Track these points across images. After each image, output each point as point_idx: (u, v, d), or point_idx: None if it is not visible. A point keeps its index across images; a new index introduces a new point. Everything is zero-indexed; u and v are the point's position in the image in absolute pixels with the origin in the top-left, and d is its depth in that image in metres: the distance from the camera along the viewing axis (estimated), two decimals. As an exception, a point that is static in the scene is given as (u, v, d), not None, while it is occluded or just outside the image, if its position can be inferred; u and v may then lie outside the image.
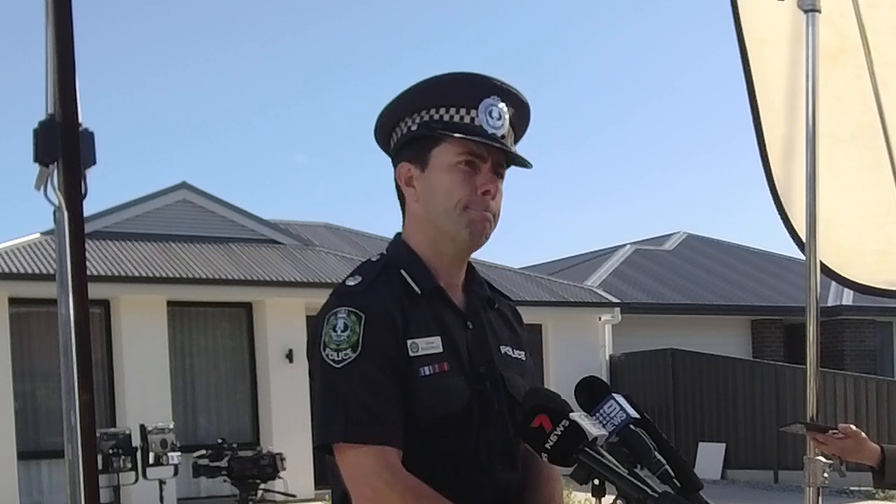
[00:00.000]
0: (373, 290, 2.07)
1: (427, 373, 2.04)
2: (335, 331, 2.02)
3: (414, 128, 2.12)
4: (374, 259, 2.18)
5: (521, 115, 2.17)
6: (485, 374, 2.12)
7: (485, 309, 2.21)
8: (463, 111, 2.08)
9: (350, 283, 2.10)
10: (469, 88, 2.10)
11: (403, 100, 2.14)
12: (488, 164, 2.09)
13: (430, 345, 2.06)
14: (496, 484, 2.11)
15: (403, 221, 2.20)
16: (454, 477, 2.06)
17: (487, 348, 2.16)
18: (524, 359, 2.26)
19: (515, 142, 2.18)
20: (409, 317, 2.06)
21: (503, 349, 2.20)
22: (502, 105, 2.11)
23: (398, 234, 2.21)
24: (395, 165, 2.18)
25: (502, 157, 2.11)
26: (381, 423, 2.00)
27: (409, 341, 2.04)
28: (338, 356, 2.01)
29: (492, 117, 2.09)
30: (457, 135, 2.07)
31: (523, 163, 2.14)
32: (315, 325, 2.09)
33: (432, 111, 2.10)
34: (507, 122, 2.12)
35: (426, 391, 2.04)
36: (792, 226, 3.56)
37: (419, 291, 2.11)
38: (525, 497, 2.18)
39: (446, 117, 2.09)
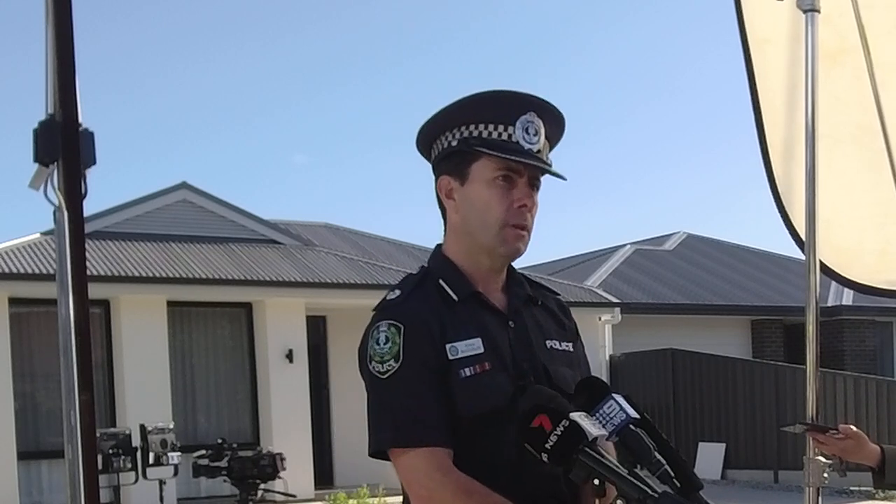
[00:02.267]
0: (410, 301, 2.18)
1: (468, 374, 2.13)
2: (378, 344, 2.14)
3: (454, 143, 2.21)
4: (413, 273, 2.29)
5: (556, 128, 2.26)
6: (528, 369, 2.19)
7: (527, 306, 2.29)
8: (501, 128, 2.17)
9: (390, 297, 2.22)
10: (506, 106, 2.18)
11: (443, 115, 2.23)
12: (524, 178, 2.18)
13: (469, 347, 2.15)
14: (544, 477, 2.15)
15: (444, 232, 2.29)
16: (502, 472, 2.12)
17: (530, 345, 2.23)
18: (572, 350, 2.33)
19: (551, 149, 2.26)
20: (447, 323, 2.15)
21: (549, 343, 2.27)
22: (538, 121, 2.19)
23: (438, 246, 2.31)
24: (435, 177, 2.27)
25: (538, 171, 2.20)
26: (427, 426, 2.09)
27: (448, 345, 2.14)
28: (382, 367, 2.13)
29: (528, 133, 2.17)
30: (494, 153, 2.15)
31: (558, 176, 2.23)
32: (362, 340, 2.19)
33: (471, 127, 2.18)
34: (543, 137, 2.20)
35: (467, 391, 2.12)
36: (792, 225, 3.57)
37: (456, 298, 2.20)
38: (578, 491, 2.20)
39: (485, 133, 2.17)
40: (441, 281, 2.22)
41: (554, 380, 2.19)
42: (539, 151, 2.19)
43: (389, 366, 2.11)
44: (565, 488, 2.19)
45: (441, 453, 2.09)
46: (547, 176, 2.24)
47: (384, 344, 2.13)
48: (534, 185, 2.20)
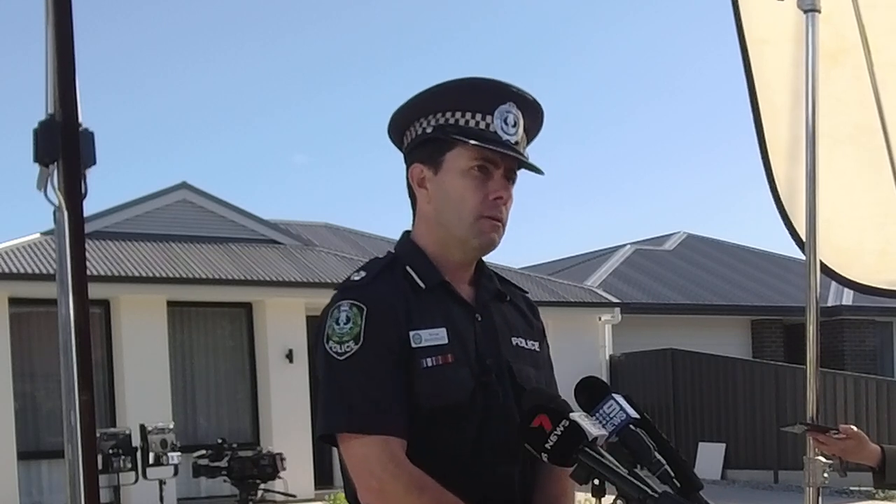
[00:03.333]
0: (376, 283, 2.10)
1: (429, 364, 2.06)
2: (338, 323, 2.05)
3: (429, 130, 2.13)
4: (381, 256, 2.21)
5: (534, 121, 2.19)
6: (491, 366, 2.13)
7: (495, 302, 2.23)
8: (479, 116, 2.10)
9: (355, 277, 2.14)
10: (485, 94, 2.12)
11: (419, 101, 2.16)
12: (501, 169, 2.12)
13: (433, 336, 2.08)
14: (498, 477, 2.12)
15: (413, 220, 2.22)
16: (456, 469, 2.06)
17: (496, 340, 2.17)
18: (538, 350, 2.27)
19: (528, 142, 2.20)
20: (412, 309, 2.08)
21: (515, 340, 2.21)
22: (518, 112, 2.12)
23: (406, 233, 2.23)
24: (407, 165, 2.19)
25: (515, 163, 2.13)
26: (383, 413, 2.01)
27: (412, 332, 2.06)
28: (340, 348, 2.04)
29: (506, 124, 2.11)
30: (472, 141, 2.08)
31: (535, 170, 2.16)
32: (320, 320, 2.11)
33: (448, 114, 2.12)
34: (521, 128, 2.14)
35: (428, 382, 2.05)
36: (792, 225, 3.57)
37: (423, 286, 2.13)
38: (533, 492, 2.18)
39: (462, 122, 2.11)
40: (409, 267, 2.14)
41: (517, 378, 2.14)
42: (517, 143, 2.12)
43: (348, 347, 2.02)
44: (518, 491, 2.15)
45: (395, 443, 2.01)
46: (541, 176, 2.18)
47: (344, 324, 2.04)
48: (510, 178, 2.13)
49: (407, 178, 2.19)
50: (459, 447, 2.08)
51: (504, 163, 2.11)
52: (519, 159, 2.13)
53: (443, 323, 2.10)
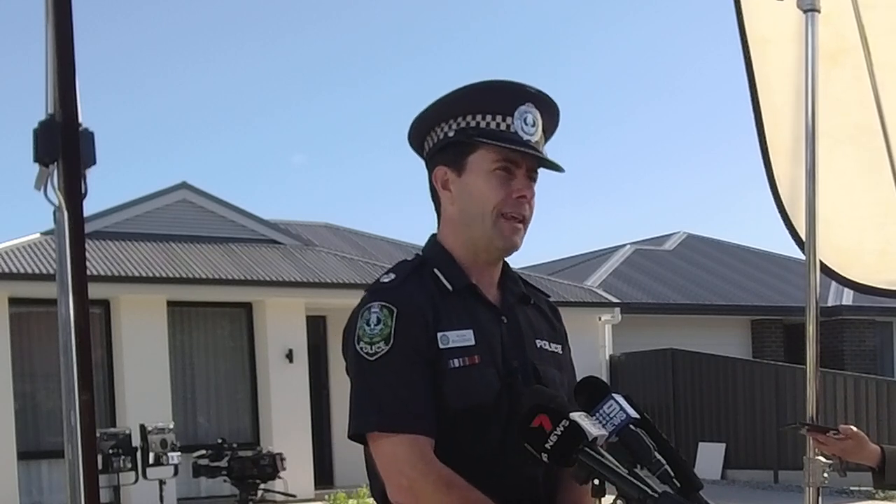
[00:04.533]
0: (405, 286, 2.15)
1: (457, 365, 2.10)
2: (368, 325, 2.10)
3: (451, 134, 2.18)
4: (409, 259, 2.26)
5: (552, 120, 2.24)
6: (517, 367, 2.16)
7: (520, 304, 2.27)
8: (499, 118, 2.15)
9: (384, 280, 2.19)
10: (505, 96, 2.17)
11: (440, 106, 2.21)
12: (523, 169, 2.17)
13: (461, 337, 2.12)
14: (522, 477, 2.15)
15: (438, 223, 2.27)
16: (481, 469, 2.09)
17: (521, 342, 2.21)
18: (561, 352, 2.31)
19: (546, 141, 2.24)
20: (440, 311, 2.13)
21: (539, 343, 2.25)
22: (536, 111, 2.18)
23: (433, 236, 2.28)
24: (429, 169, 2.24)
25: (536, 162, 2.18)
26: (413, 413, 2.06)
27: (439, 334, 2.11)
28: (371, 349, 2.09)
29: (526, 124, 2.16)
30: (494, 143, 2.13)
31: (556, 167, 2.21)
32: (350, 320, 2.16)
33: (469, 117, 2.17)
34: (540, 128, 2.19)
35: (455, 383, 2.09)
36: (792, 225, 3.57)
37: (451, 288, 2.17)
38: (556, 493, 2.21)
39: (483, 124, 2.16)
40: (436, 270, 2.19)
41: (543, 379, 2.18)
42: (537, 143, 2.17)
43: (378, 348, 2.07)
44: (542, 491, 2.18)
45: (424, 442, 2.06)
46: (541, 176, 2.22)
47: (375, 325, 2.09)
48: (531, 177, 2.19)
49: (430, 182, 2.24)
50: (484, 448, 2.12)
51: (525, 162, 2.16)
52: (539, 158, 2.17)
53: (470, 324, 2.14)
